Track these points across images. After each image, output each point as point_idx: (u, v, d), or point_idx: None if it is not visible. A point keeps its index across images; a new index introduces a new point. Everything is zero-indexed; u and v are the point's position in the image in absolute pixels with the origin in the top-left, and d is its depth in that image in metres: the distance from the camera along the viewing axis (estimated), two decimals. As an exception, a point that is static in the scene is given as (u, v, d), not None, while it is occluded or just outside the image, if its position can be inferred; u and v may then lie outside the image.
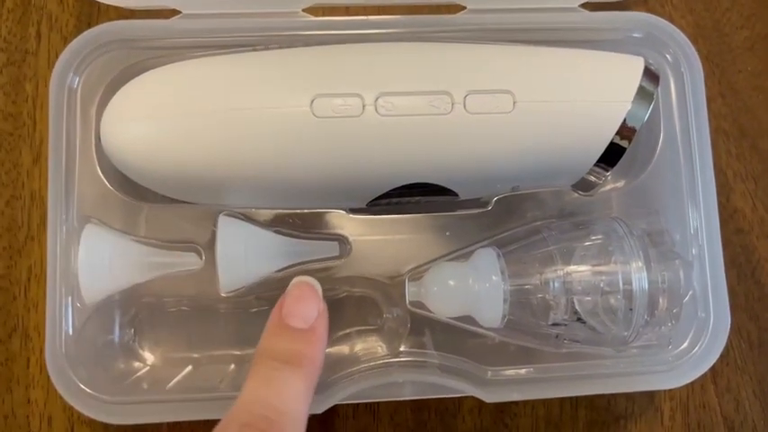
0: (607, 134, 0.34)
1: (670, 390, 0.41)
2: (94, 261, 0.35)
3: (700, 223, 0.38)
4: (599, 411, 0.40)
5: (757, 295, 0.42)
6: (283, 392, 0.30)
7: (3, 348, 0.39)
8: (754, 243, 0.42)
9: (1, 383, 0.39)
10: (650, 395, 0.40)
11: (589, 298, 0.34)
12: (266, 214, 0.38)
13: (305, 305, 0.32)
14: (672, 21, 0.43)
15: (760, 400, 0.41)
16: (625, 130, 0.34)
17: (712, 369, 0.40)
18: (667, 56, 0.39)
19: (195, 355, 0.38)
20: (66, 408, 0.38)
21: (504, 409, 0.40)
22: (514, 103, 0.33)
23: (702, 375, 0.37)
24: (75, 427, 0.39)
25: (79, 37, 0.36)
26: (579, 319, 0.34)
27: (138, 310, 0.38)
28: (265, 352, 0.31)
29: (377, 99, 0.32)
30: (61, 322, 0.35)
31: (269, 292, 0.36)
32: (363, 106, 0.32)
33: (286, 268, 0.36)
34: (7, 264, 0.39)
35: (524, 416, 0.40)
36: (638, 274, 0.33)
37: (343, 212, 0.38)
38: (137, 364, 0.38)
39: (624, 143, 0.34)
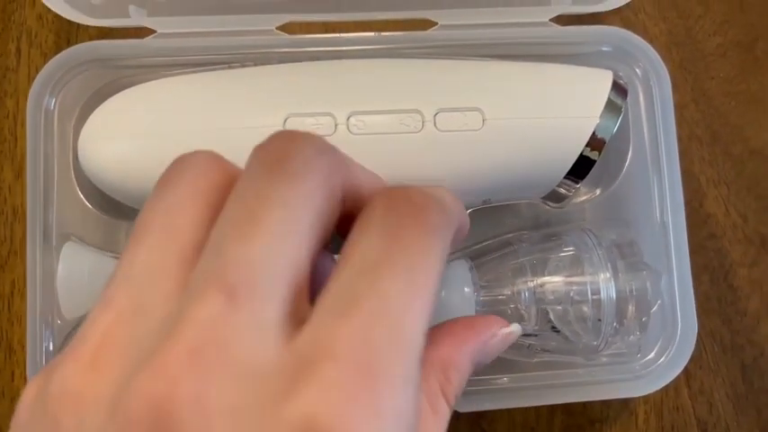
0: (576, 148, 0.34)
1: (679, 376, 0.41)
2: (74, 278, 0.35)
3: (668, 233, 0.38)
4: (575, 416, 0.41)
5: (730, 299, 0.42)
6: None
7: (-10, 365, 0.39)
8: (726, 248, 0.43)
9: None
10: (625, 399, 0.41)
11: (560, 307, 0.35)
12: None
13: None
14: (645, 29, 0.44)
15: (733, 401, 0.41)
16: (594, 144, 0.34)
17: (686, 372, 0.41)
18: (637, 69, 0.39)
19: None
20: None
21: (481, 415, 0.40)
22: (483, 120, 0.33)
23: (674, 380, 0.37)
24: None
25: (55, 58, 0.36)
26: (553, 328, 0.35)
27: None
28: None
29: (348, 118, 0.33)
30: (42, 338, 0.35)
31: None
32: (336, 125, 0.33)
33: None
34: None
35: (501, 420, 0.40)
36: (606, 285, 0.34)
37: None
38: None
39: (593, 156, 0.34)
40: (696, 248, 0.43)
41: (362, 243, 0.19)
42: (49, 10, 0.40)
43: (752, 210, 0.43)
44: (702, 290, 0.42)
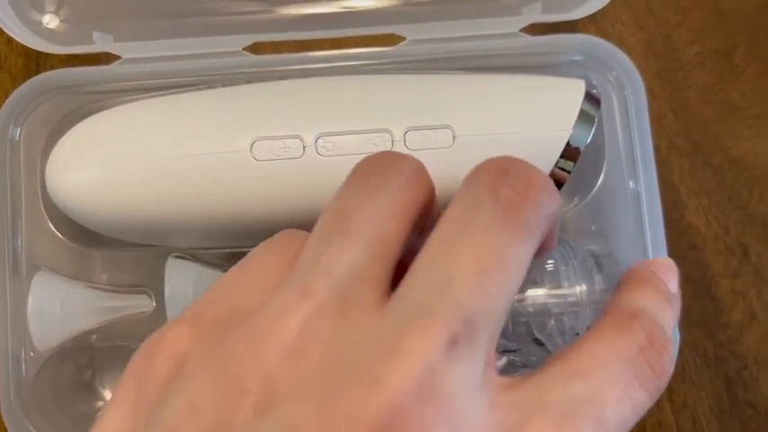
0: (549, 161, 0.33)
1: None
2: (45, 309, 0.35)
3: (646, 242, 0.37)
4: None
5: (712, 311, 0.41)
6: None
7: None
8: (708, 259, 0.42)
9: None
10: (607, 415, 0.40)
11: (541, 320, 0.34)
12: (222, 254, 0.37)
13: None
14: (622, 39, 0.44)
15: (716, 415, 0.41)
16: (568, 155, 0.33)
17: (668, 386, 0.40)
18: (610, 77, 0.38)
19: None
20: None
21: None
22: (454, 137, 0.33)
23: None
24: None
25: (19, 88, 0.36)
26: (536, 341, 0.35)
27: (96, 353, 0.38)
28: None
29: (317, 140, 0.32)
30: (15, 372, 0.35)
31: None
32: (304, 147, 0.32)
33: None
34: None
35: None
36: (582, 297, 0.33)
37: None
38: (98, 404, 0.38)
39: (568, 167, 0.34)
40: (677, 260, 0.41)
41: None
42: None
43: (733, 220, 0.42)
44: (684, 302, 0.41)
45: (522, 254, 0.20)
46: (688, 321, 0.41)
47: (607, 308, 0.24)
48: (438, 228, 0.21)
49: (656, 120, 0.43)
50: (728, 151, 0.43)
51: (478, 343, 0.19)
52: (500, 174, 0.21)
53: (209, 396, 0.18)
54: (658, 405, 0.41)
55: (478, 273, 0.19)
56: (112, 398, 0.20)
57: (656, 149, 0.42)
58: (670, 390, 0.41)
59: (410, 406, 0.17)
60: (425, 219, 0.23)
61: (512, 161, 0.22)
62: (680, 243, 0.42)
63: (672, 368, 0.23)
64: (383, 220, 0.21)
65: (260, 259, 0.22)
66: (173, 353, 0.20)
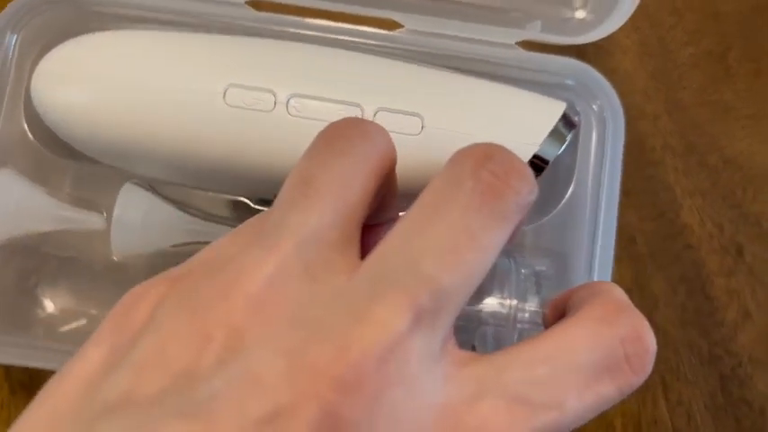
0: None
1: (621, 406, 0.41)
2: (2, 206, 0.36)
3: (593, 273, 0.36)
4: None
5: (707, 310, 0.42)
6: None
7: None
8: (703, 258, 0.42)
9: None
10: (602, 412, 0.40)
11: (471, 323, 0.34)
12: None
13: None
14: (617, 40, 0.44)
15: (711, 412, 0.41)
16: (532, 168, 0.34)
17: (663, 384, 0.41)
18: (594, 106, 0.38)
19: (93, 312, 0.38)
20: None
21: None
22: (422, 126, 0.33)
23: (651, 392, 0.37)
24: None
25: None
26: (473, 348, 0.35)
27: (44, 261, 0.38)
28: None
29: (289, 99, 0.33)
30: None
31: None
32: (275, 103, 0.33)
33: (182, 245, 0.37)
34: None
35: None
36: (510, 313, 0.34)
37: (249, 202, 0.38)
38: (37, 310, 0.38)
39: None
40: (673, 259, 0.42)
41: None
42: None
43: (727, 219, 0.42)
44: (680, 301, 0.42)
45: (495, 238, 0.20)
46: (683, 320, 0.41)
47: (586, 298, 0.23)
48: (417, 202, 0.21)
49: (651, 120, 0.43)
50: (723, 151, 0.43)
51: (442, 317, 0.19)
52: (484, 158, 0.21)
53: (177, 341, 0.19)
54: (653, 402, 0.40)
55: (451, 251, 0.20)
56: (89, 340, 0.21)
57: (652, 150, 0.42)
58: (665, 387, 0.41)
59: (371, 369, 0.18)
60: (388, 185, 0.23)
61: (496, 148, 0.22)
62: (675, 242, 0.42)
63: (650, 369, 0.22)
64: (347, 182, 0.21)
65: (245, 224, 0.23)
66: (151, 304, 0.20)
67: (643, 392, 0.40)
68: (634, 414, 0.40)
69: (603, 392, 0.21)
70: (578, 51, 0.39)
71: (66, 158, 0.38)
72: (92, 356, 0.20)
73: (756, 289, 0.42)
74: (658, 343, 0.40)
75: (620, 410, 0.41)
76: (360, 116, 0.33)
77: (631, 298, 0.40)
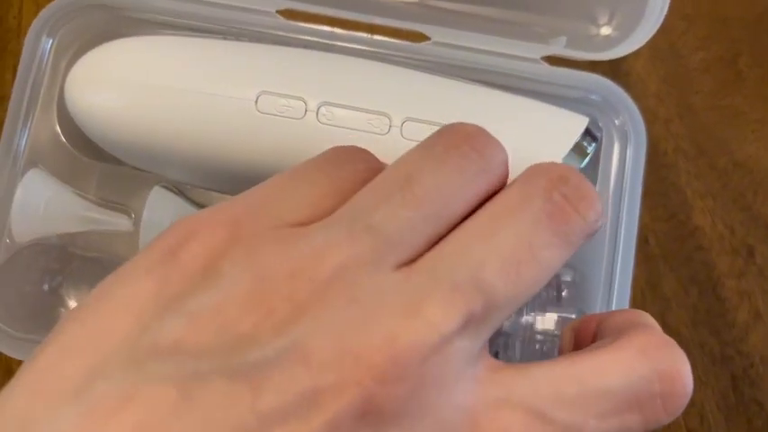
0: None
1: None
2: (30, 202, 0.36)
3: (613, 288, 0.36)
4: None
5: (718, 311, 0.42)
6: None
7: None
8: (713, 260, 0.42)
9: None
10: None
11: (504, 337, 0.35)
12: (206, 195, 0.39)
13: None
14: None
15: (723, 412, 0.41)
16: None
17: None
18: (616, 121, 0.38)
19: None
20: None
21: None
22: None
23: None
24: None
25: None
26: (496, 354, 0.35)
27: (70, 262, 0.39)
28: None
29: (319, 107, 0.33)
30: None
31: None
32: (305, 110, 0.33)
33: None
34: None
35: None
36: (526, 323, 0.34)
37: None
38: (61, 309, 0.38)
39: None
40: (684, 261, 0.42)
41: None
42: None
43: (738, 221, 0.43)
44: (691, 302, 0.42)
45: (555, 259, 0.21)
46: (694, 320, 0.42)
47: (625, 327, 0.22)
48: (485, 209, 0.21)
49: (663, 124, 0.44)
50: (733, 155, 0.43)
51: (488, 325, 0.19)
52: (558, 180, 0.22)
53: (237, 304, 0.19)
54: (666, 402, 0.41)
55: (511, 263, 0.20)
56: (139, 259, 0.20)
57: (663, 153, 0.43)
58: (677, 387, 0.41)
59: (414, 365, 0.18)
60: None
61: (571, 171, 0.22)
62: (686, 243, 0.42)
63: (681, 411, 0.21)
64: (449, 199, 0.21)
65: (312, 177, 0.22)
66: (208, 247, 0.20)
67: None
68: (647, 414, 0.41)
69: (628, 423, 0.20)
70: (591, 61, 0.39)
71: (95, 160, 0.38)
72: (144, 285, 0.20)
73: (767, 290, 0.42)
74: (670, 343, 0.41)
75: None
76: (388, 125, 0.33)
77: (644, 298, 0.41)
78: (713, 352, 0.41)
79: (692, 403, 0.40)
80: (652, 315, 0.36)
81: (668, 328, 0.41)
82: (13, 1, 0.42)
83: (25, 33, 0.42)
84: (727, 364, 0.41)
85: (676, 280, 0.42)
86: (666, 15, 0.44)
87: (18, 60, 0.42)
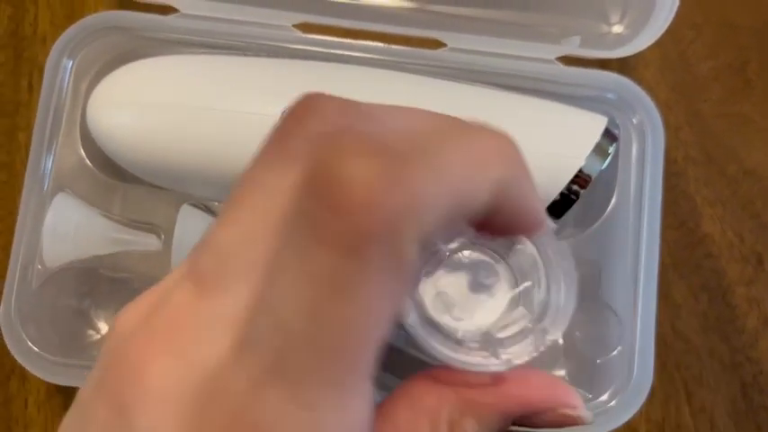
0: (559, 184, 0.35)
1: (645, 412, 0.41)
2: (59, 228, 0.36)
3: (638, 284, 0.37)
4: (577, 434, 0.41)
5: (728, 317, 0.42)
6: None
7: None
8: (723, 267, 0.43)
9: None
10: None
11: None
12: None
13: None
14: (639, 54, 0.44)
15: (733, 419, 0.41)
16: (578, 182, 0.35)
17: (686, 391, 0.41)
18: (634, 119, 0.38)
19: None
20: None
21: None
22: None
23: (675, 400, 0.37)
24: None
25: (79, 21, 0.37)
26: None
27: (99, 282, 0.39)
28: None
29: None
30: (20, 280, 0.36)
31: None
32: None
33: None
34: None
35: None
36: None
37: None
38: (90, 332, 0.39)
39: (574, 195, 0.35)
40: (694, 268, 0.43)
41: None
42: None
43: (747, 229, 0.43)
44: (701, 309, 0.42)
45: None
46: (705, 327, 0.42)
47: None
48: None
49: (673, 132, 0.44)
50: (742, 162, 0.44)
51: None
52: None
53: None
54: (677, 408, 0.41)
55: None
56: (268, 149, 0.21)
57: (673, 161, 0.43)
58: (688, 394, 0.41)
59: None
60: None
61: None
62: (696, 251, 0.43)
63: None
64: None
65: None
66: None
67: (667, 399, 0.41)
68: (659, 420, 0.41)
69: None
70: (602, 65, 0.39)
71: (120, 181, 0.38)
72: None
73: (776, 297, 0.42)
74: (681, 350, 0.41)
75: (644, 416, 0.41)
76: None
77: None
78: (723, 358, 0.42)
79: (702, 409, 0.41)
80: (663, 322, 0.36)
81: (678, 335, 0.42)
82: (28, 9, 0.43)
83: (41, 41, 0.42)
84: (736, 371, 0.42)
85: (686, 287, 0.42)
86: (676, 24, 0.45)
87: (34, 67, 0.42)
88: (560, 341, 0.39)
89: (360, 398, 0.18)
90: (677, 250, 0.43)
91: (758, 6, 0.45)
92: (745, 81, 0.45)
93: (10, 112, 0.42)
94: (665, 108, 0.44)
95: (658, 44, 0.44)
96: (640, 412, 0.39)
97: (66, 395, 0.40)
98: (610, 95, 0.38)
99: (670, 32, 0.45)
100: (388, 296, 0.17)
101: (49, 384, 0.40)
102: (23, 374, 0.39)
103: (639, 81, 0.42)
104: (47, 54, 0.42)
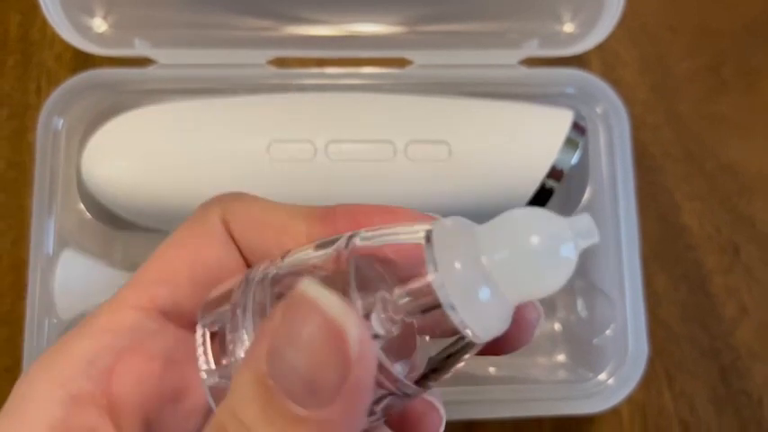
0: (535, 180, 0.36)
1: (628, 395, 0.42)
2: (68, 283, 0.37)
3: (622, 263, 0.38)
4: (563, 416, 0.41)
5: (707, 306, 0.43)
6: None
7: (10, 376, 0.41)
8: (702, 258, 0.44)
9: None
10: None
11: None
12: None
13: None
14: (618, 55, 0.46)
15: (713, 403, 0.42)
16: (553, 176, 0.36)
17: (667, 375, 0.42)
18: (597, 109, 0.39)
19: None
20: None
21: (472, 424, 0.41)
22: (450, 152, 0.36)
23: (656, 384, 0.39)
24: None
25: (64, 83, 0.38)
26: None
27: None
28: None
29: (327, 145, 0.35)
30: (37, 337, 0.36)
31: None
32: (315, 151, 0.35)
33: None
34: (14, 299, 0.42)
35: (492, 423, 0.42)
36: None
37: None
38: None
39: (551, 188, 0.36)
40: (674, 259, 0.44)
41: None
42: (66, 49, 0.43)
43: (724, 221, 0.44)
44: (681, 298, 0.44)
45: None
46: (684, 316, 0.43)
47: None
48: None
49: (652, 130, 0.45)
50: (719, 159, 0.45)
51: None
52: None
53: None
54: (658, 392, 0.42)
55: None
56: None
57: (652, 157, 0.45)
58: (669, 378, 0.42)
59: None
60: None
61: None
62: (676, 243, 0.44)
63: None
64: None
65: None
66: None
67: (648, 383, 0.42)
68: (640, 403, 0.42)
69: None
70: (581, 65, 0.41)
71: (119, 230, 0.39)
72: None
73: (752, 286, 0.43)
74: (662, 337, 0.42)
75: (626, 400, 0.42)
76: (393, 151, 0.35)
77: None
78: (702, 345, 0.43)
79: (682, 394, 0.42)
80: (644, 311, 0.38)
81: (659, 323, 0.43)
82: (37, 16, 0.44)
83: (49, 46, 0.44)
84: (716, 357, 0.43)
85: (667, 277, 0.44)
86: (653, 27, 0.47)
87: (42, 71, 0.44)
88: (557, 327, 0.40)
89: None
90: (657, 242, 0.44)
91: (733, 10, 0.47)
92: (722, 82, 0.46)
93: (19, 114, 0.44)
94: (644, 107, 0.46)
95: (636, 46, 0.46)
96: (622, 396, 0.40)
97: None
98: (569, 90, 0.40)
99: (648, 34, 0.47)
100: None
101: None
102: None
103: (619, 81, 0.44)
104: (54, 57, 0.44)
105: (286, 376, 0.15)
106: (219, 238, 0.22)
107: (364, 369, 0.16)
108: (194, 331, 0.20)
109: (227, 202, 0.23)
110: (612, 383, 0.37)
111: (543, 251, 0.18)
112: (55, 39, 0.44)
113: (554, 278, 0.18)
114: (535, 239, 0.18)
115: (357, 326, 0.15)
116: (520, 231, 0.18)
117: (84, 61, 0.41)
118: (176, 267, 0.22)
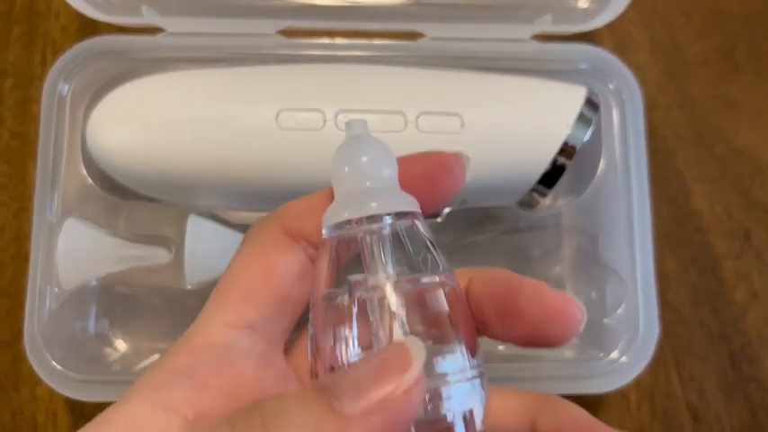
0: (547, 156, 0.34)
1: (636, 379, 0.41)
2: (71, 251, 0.36)
3: (634, 242, 0.37)
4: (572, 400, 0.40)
5: (717, 290, 0.42)
6: None
7: (10, 350, 0.39)
8: (712, 241, 0.42)
9: (9, 383, 0.40)
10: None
11: None
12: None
13: None
14: (630, 36, 0.44)
15: (722, 389, 0.41)
16: (565, 153, 0.34)
17: (675, 359, 0.41)
18: (610, 86, 0.38)
19: (163, 345, 0.38)
20: (68, 402, 0.39)
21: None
22: (462, 124, 0.33)
23: (664, 368, 0.38)
24: (78, 422, 0.39)
25: (71, 49, 0.36)
26: None
27: (114, 302, 0.38)
28: None
29: (337, 115, 0.33)
30: (39, 305, 0.35)
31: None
32: (324, 120, 0.33)
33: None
34: (15, 271, 0.40)
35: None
36: None
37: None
38: (109, 350, 0.38)
39: (563, 165, 0.34)
40: (684, 242, 0.42)
41: None
42: (72, 21, 0.42)
43: (735, 205, 0.43)
44: (691, 281, 0.42)
45: None
46: (695, 300, 0.42)
47: None
48: None
49: (663, 113, 0.44)
50: (730, 142, 0.43)
51: None
52: None
53: None
54: (666, 376, 0.40)
55: None
56: None
57: (664, 140, 0.43)
58: (677, 362, 0.41)
59: None
60: None
61: None
62: (686, 226, 0.42)
63: None
64: None
65: None
66: None
67: (656, 367, 0.40)
68: (648, 387, 0.41)
69: None
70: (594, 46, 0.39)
71: (123, 199, 0.37)
72: None
73: (763, 271, 0.42)
74: (671, 321, 0.41)
75: (634, 383, 0.41)
76: (404, 122, 0.34)
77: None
78: (712, 330, 0.41)
79: (691, 378, 0.40)
80: (654, 295, 0.36)
81: (669, 307, 0.41)
82: (43, -14, 0.43)
83: (55, 17, 0.43)
84: (725, 342, 0.41)
85: (677, 260, 0.42)
86: (666, 10, 0.45)
87: (47, 42, 0.43)
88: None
89: None
90: (668, 225, 0.42)
91: (745, -6, 0.46)
92: (734, 65, 0.44)
93: (24, 84, 0.42)
94: (656, 90, 0.44)
95: (648, 28, 0.45)
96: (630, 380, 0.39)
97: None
98: (583, 66, 0.38)
99: (660, 17, 0.45)
100: None
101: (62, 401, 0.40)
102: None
103: (631, 63, 0.42)
104: (60, 29, 0.43)
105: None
106: (282, 243, 0.24)
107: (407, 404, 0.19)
108: (279, 341, 0.25)
109: (277, 210, 0.25)
110: (624, 361, 0.36)
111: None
112: (61, 10, 0.43)
113: None
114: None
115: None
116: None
117: (90, 33, 0.40)
118: (256, 284, 0.24)
